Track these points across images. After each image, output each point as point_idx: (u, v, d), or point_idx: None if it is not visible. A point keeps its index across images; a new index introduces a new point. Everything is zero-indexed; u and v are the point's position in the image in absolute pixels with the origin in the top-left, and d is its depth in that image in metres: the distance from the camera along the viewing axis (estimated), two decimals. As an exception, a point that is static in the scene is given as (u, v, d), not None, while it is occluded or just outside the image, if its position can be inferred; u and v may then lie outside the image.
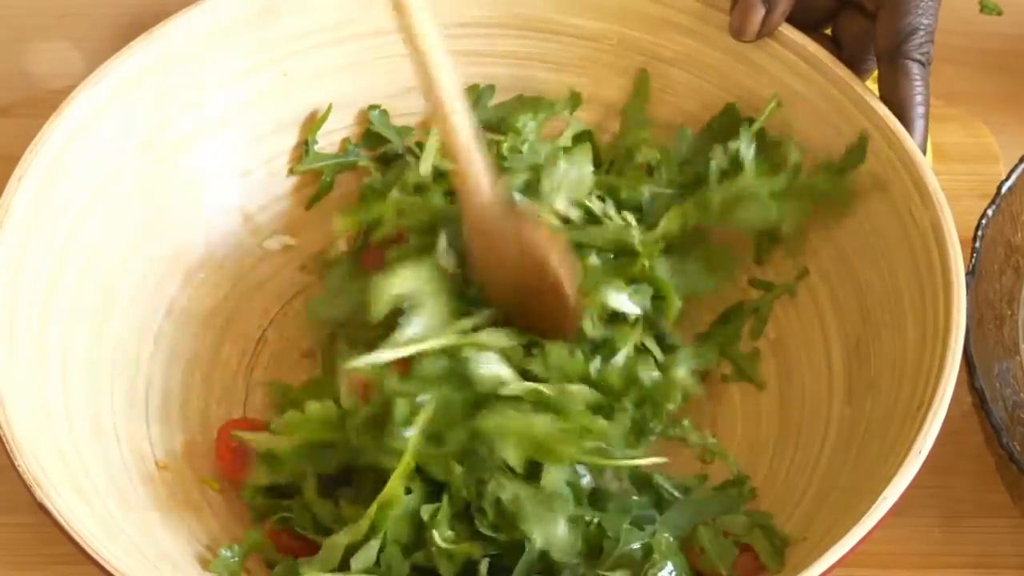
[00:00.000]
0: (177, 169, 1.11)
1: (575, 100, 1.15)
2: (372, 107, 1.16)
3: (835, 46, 1.10)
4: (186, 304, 1.11)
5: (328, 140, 1.16)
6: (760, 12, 1.07)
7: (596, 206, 1.08)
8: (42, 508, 0.92)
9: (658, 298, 1.06)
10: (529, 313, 1.03)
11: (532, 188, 1.08)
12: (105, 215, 1.07)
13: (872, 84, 1.18)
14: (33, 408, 0.98)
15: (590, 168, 1.09)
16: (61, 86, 1.14)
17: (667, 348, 1.07)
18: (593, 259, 1.05)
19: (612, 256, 1.06)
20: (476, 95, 1.16)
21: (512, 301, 1.04)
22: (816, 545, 0.94)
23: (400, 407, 0.96)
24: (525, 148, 1.10)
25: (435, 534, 0.95)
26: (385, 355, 0.98)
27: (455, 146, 1.01)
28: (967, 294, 1.00)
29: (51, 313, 1.03)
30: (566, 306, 1.03)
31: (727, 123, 1.12)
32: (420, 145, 1.14)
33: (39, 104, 1.16)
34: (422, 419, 0.96)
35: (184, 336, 1.10)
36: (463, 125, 1.01)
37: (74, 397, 1.02)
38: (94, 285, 1.06)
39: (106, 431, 1.03)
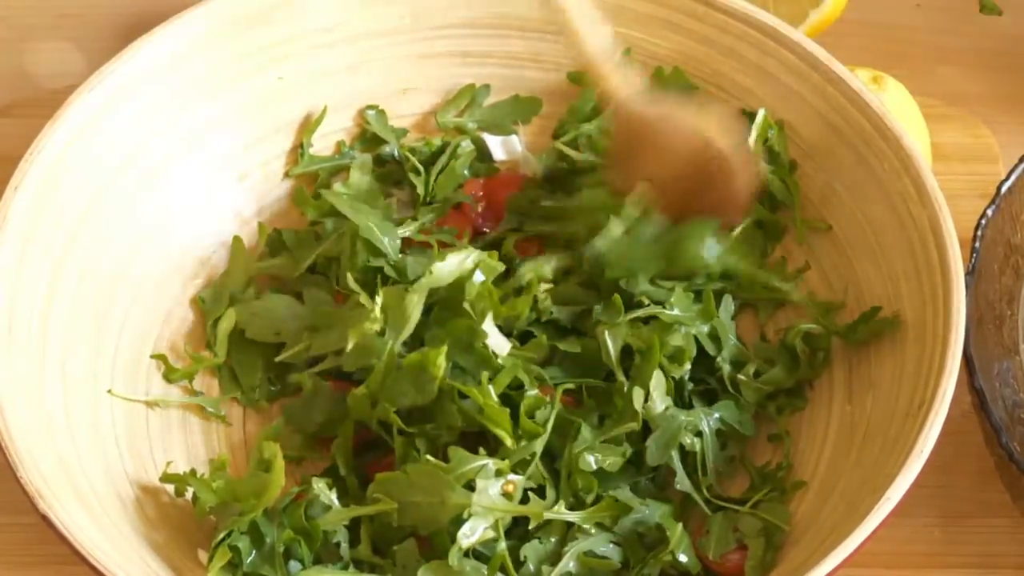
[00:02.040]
0: (174, 174, 1.10)
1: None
2: (369, 107, 1.15)
3: None
4: (184, 311, 1.10)
5: (323, 143, 1.15)
6: None
7: None
8: (45, 520, 0.92)
9: None
10: (689, 205, 1.03)
11: None
12: (104, 220, 1.06)
13: (869, 80, 1.17)
14: (33, 415, 0.97)
15: None
16: (61, 86, 1.14)
17: None
18: None
19: None
20: (471, 95, 1.16)
21: (669, 196, 1.04)
22: (820, 545, 0.93)
23: None
24: None
25: None
26: None
27: (591, 48, 1.03)
28: (967, 294, 0.99)
29: (51, 319, 1.02)
30: (734, 185, 1.03)
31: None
32: (414, 150, 1.14)
33: (39, 104, 1.16)
34: None
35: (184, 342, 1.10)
36: (596, 31, 1.03)
37: (74, 404, 1.01)
38: (93, 291, 1.05)
39: (107, 438, 1.02)
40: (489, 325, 1.02)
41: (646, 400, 1.01)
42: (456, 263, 1.01)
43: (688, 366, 1.03)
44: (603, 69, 1.04)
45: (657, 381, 1.02)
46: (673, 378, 1.02)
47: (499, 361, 1.02)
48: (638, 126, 1.04)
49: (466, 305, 1.01)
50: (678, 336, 1.03)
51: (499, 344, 1.03)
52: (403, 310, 1.01)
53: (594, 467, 1.00)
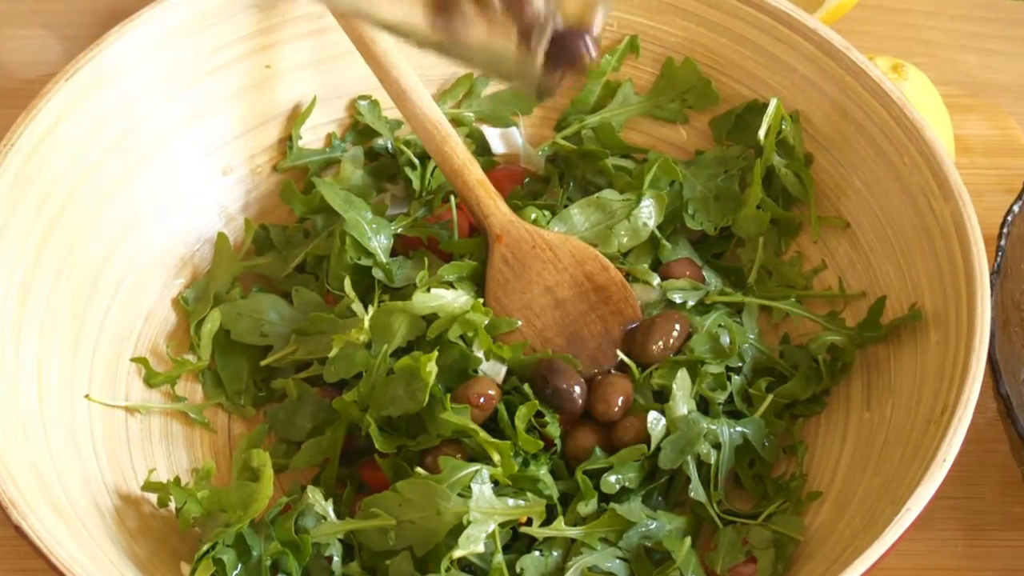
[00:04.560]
0: (155, 167, 1.10)
1: None
2: (362, 97, 1.14)
3: None
4: (166, 311, 1.10)
5: (313, 135, 1.15)
6: None
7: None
8: (19, 531, 0.91)
9: None
10: (579, 333, 1.06)
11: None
12: (81, 216, 1.06)
13: (889, 69, 1.17)
14: (6, 421, 0.97)
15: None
16: (37, 75, 1.14)
17: None
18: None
19: None
20: (469, 84, 1.15)
21: (553, 327, 1.06)
22: (836, 559, 0.93)
23: None
24: None
25: None
26: None
27: (469, 180, 1.07)
28: (992, 294, 0.99)
29: (25, 320, 1.02)
30: (631, 299, 1.06)
31: (750, 120, 1.12)
32: (409, 143, 1.14)
33: (14, 95, 1.16)
34: None
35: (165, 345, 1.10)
36: (469, 159, 1.07)
37: (50, 410, 1.01)
38: (70, 291, 1.05)
39: (84, 446, 1.02)
40: (480, 354, 1.03)
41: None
42: (440, 300, 1.02)
43: (729, 390, 1.05)
44: (483, 198, 1.07)
45: (682, 381, 1.02)
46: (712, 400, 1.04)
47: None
48: (532, 244, 1.07)
49: (455, 338, 1.02)
50: (714, 365, 1.04)
51: (493, 370, 1.03)
52: (389, 327, 1.02)
53: (617, 487, 1.00)
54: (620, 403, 1.03)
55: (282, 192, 1.13)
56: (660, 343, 1.05)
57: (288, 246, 1.11)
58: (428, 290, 1.02)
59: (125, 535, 0.99)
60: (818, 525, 1.00)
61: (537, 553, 0.99)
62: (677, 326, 1.05)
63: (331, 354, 1.02)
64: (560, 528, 0.99)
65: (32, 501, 0.93)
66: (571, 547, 0.99)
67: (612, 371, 1.06)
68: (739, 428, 1.03)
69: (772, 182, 1.10)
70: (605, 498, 1.01)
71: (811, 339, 1.06)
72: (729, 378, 1.05)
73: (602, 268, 1.07)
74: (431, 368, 0.98)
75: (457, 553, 0.95)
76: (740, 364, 1.06)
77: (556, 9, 0.88)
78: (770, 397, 1.05)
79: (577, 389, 1.03)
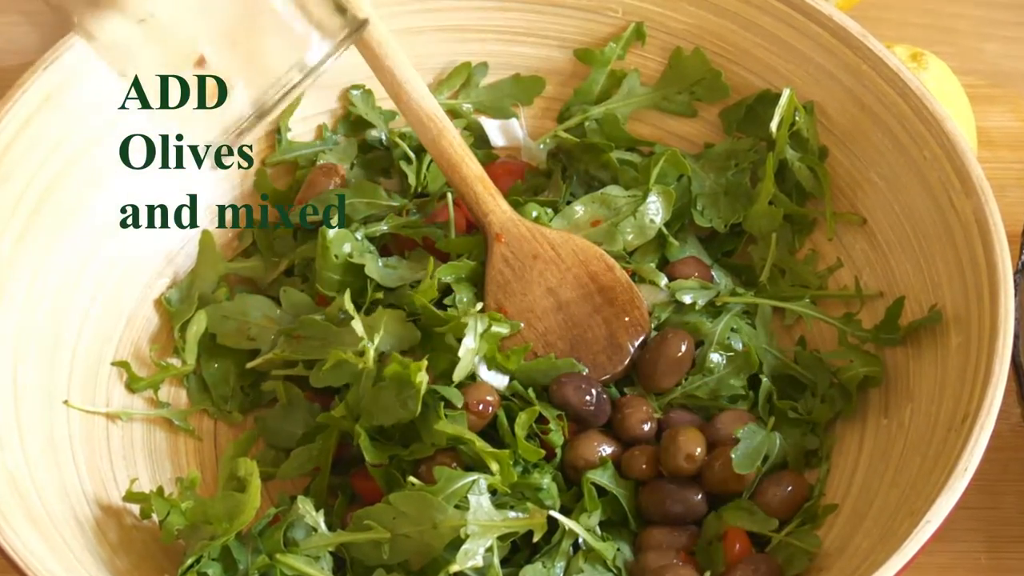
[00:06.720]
0: (138, 159, 1.09)
1: None
2: (354, 87, 1.14)
3: None
4: (148, 312, 1.10)
5: (303, 127, 1.14)
6: None
7: None
8: None
9: None
10: (583, 337, 1.06)
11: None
12: (60, 211, 1.05)
13: (908, 58, 1.17)
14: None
15: None
16: (13, 64, 1.14)
17: None
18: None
19: None
20: (467, 74, 1.15)
21: (556, 331, 1.06)
22: (852, 574, 0.93)
23: None
24: None
25: None
26: None
27: (467, 175, 1.07)
28: (1016, 295, 0.98)
29: (0, 323, 1.01)
30: (637, 301, 1.06)
31: (761, 111, 1.11)
32: (404, 135, 1.13)
33: (-11, 84, 1.15)
34: None
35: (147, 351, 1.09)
36: (467, 153, 1.07)
37: (27, 417, 1.00)
38: (48, 291, 1.04)
39: (63, 454, 1.02)
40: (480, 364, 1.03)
41: None
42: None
43: (752, 399, 1.05)
44: (482, 195, 1.07)
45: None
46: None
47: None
48: (533, 243, 1.07)
49: (451, 340, 1.02)
50: (735, 381, 1.05)
51: (492, 379, 1.03)
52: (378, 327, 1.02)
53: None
54: (649, 426, 1.03)
55: (257, 183, 1.13)
56: (668, 373, 1.04)
57: (272, 252, 1.11)
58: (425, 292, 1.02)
59: (106, 548, 0.99)
60: (833, 538, 1.00)
61: (540, 564, 0.99)
62: (683, 346, 1.04)
63: (324, 368, 1.01)
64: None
65: (8, 512, 0.93)
66: (571, 562, 0.99)
67: (628, 392, 1.05)
68: (789, 440, 1.03)
69: (785, 176, 1.10)
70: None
71: (841, 368, 1.05)
72: (750, 383, 1.05)
73: (607, 268, 1.06)
74: (422, 378, 0.97)
75: (454, 568, 0.95)
76: (758, 373, 1.06)
77: None
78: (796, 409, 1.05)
79: (604, 400, 1.03)
